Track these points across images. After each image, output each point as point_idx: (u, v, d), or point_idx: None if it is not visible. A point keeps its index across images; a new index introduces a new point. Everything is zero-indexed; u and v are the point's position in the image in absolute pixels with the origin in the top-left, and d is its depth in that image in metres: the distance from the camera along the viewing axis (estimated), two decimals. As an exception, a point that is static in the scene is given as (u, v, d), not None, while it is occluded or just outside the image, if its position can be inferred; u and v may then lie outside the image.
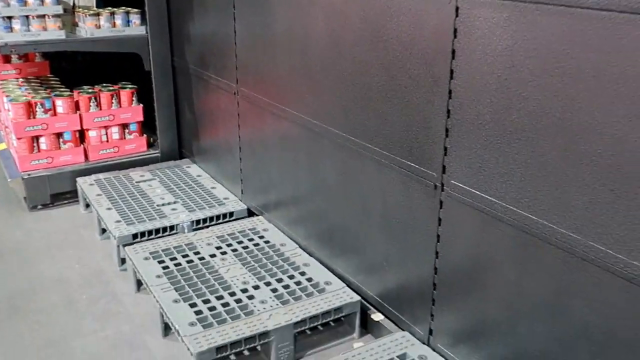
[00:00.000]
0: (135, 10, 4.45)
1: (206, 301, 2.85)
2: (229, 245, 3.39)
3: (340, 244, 3.04)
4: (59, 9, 4.18)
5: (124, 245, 3.42)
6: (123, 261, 3.50)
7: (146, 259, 3.22)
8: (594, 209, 1.75)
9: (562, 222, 1.85)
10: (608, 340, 1.79)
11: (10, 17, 4.04)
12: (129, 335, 2.95)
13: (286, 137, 3.33)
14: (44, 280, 3.42)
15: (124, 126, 4.60)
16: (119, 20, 4.38)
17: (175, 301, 2.84)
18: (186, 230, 3.65)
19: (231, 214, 3.85)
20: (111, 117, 4.49)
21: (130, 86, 4.62)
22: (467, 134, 2.14)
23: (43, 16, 4.13)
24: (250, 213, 3.91)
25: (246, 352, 2.79)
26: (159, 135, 4.71)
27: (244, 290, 2.94)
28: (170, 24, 4.49)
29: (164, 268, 3.14)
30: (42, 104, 4.24)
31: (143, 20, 4.45)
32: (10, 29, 4.05)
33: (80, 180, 4.28)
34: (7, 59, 4.84)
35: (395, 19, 2.36)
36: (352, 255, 2.97)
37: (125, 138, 4.62)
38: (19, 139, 4.21)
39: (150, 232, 3.59)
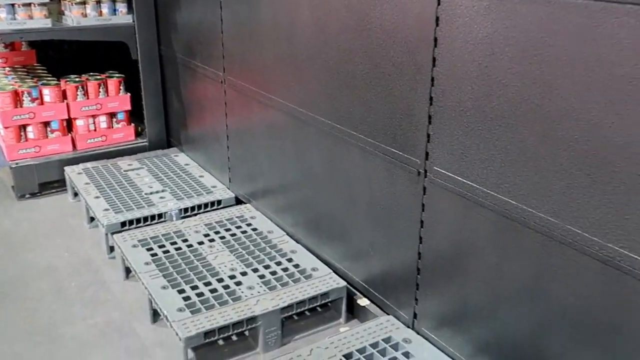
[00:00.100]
0: (122, -2, 4.44)
1: (194, 287, 2.88)
2: (217, 232, 3.42)
3: (326, 230, 3.08)
4: (45, -3, 4.18)
5: (113, 234, 3.44)
6: (111, 249, 3.52)
7: (134, 246, 3.25)
8: (571, 193, 1.79)
9: (540, 207, 1.90)
10: (585, 321, 1.84)
11: (-5, 6, 4.02)
12: (118, 322, 2.98)
13: (273, 125, 3.36)
14: (32, 269, 3.43)
15: (112, 115, 4.61)
16: (105, 9, 4.37)
17: (164, 288, 2.87)
18: (174, 218, 3.68)
19: (219, 202, 3.88)
20: (98, 106, 4.49)
21: (117, 75, 4.62)
22: (449, 121, 2.17)
23: (29, 4, 4.12)
24: (238, 201, 3.94)
25: (234, 337, 2.83)
26: (147, 124, 4.71)
27: (232, 277, 2.97)
28: (157, 12, 4.48)
29: (152, 255, 3.16)
30: (29, 93, 4.24)
31: (130, 9, 4.44)
32: (-5, 17, 4.04)
33: (68, 169, 4.29)
34: (-7, 48, 4.83)
35: (379, 7, 2.38)
36: (338, 241, 3.01)
37: (113, 127, 4.63)
38: (6, 128, 4.21)
39: (138, 220, 3.61)
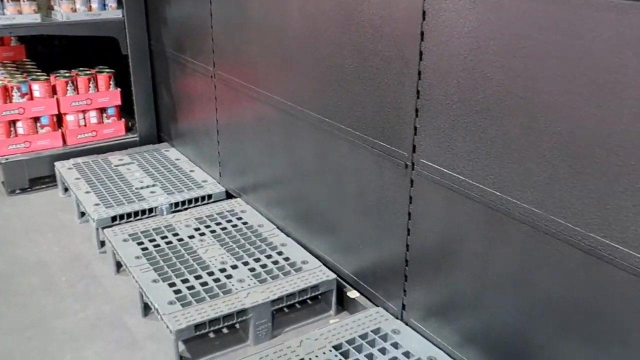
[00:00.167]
0: (112, -7, 4.44)
1: (185, 281, 2.90)
2: (208, 226, 3.44)
3: (316, 223, 3.11)
4: (34, -7, 4.17)
5: (103, 228, 3.46)
6: (102, 244, 3.53)
7: (125, 240, 3.26)
8: (554, 184, 1.83)
9: (525, 198, 1.93)
10: (569, 309, 1.88)
11: (-16, 1, 4.02)
12: (109, 316, 3.00)
13: (263, 119, 3.38)
14: (23, 264, 3.44)
15: (102, 110, 4.61)
16: (95, 4, 4.37)
17: (155, 281, 2.89)
18: (165, 213, 3.69)
19: (209, 196, 3.89)
20: (89, 102, 4.49)
21: (107, 70, 4.62)
22: (436, 114, 2.20)
23: None
24: (229, 195, 3.96)
25: (225, 330, 2.85)
26: (137, 119, 4.72)
27: (222, 270, 2.99)
28: (147, 7, 4.49)
29: (143, 249, 3.18)
30: (18, 89, 4.23)
31: (119, 4, 4.44)
32: (-16, 12, 4.03)
33: (58, 165, 4.29)
34: (-18, 44, 4.82)
35: (367, 1, 2.41)
36: (328, 234, 3.03)
37: (103, 122, 4.63)
38: (-5, 123, 4.21)
39: (129, 215, 3.62)
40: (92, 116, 4.55)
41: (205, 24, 3.72)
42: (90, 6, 4.36)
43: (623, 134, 1.61)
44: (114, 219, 3.57)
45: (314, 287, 2.88)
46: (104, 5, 4.40)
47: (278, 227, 3.41)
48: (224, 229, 3.41)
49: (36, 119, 4.35)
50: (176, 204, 3.77)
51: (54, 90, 4.40)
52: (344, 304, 2.99)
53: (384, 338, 2.49)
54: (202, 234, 3.35)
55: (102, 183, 3.99)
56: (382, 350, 2.41)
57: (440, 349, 2.41)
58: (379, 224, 2.63)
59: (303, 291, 2.85)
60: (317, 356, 2.38)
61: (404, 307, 2.60)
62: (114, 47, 4.53)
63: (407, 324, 2.58)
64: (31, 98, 4.30)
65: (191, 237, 3.32)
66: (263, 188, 3.56)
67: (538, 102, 1.82)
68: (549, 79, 1.77)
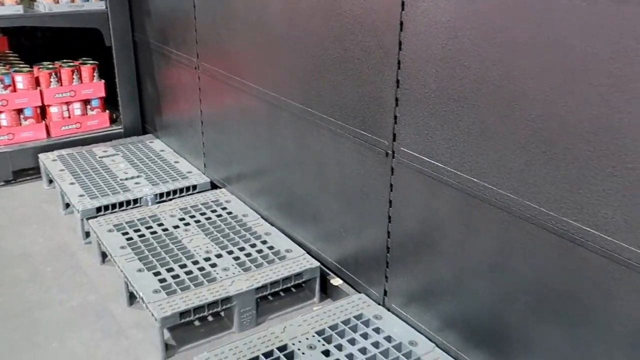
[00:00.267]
0: (94, -16, 4.43)
1: (170, 270, 2.93)
2: (192, 216, 3.46)
3: (300, 212, 3.14)
4: (16, -16, 4.15)
5: (88, 219, 3.47)
6: (87, 234, 3.55)
7: (110, 231, 3.28)
8: (529, 170, 1.88)
9: (501, 184, 1.98)
10: (544, 292, 1.93)
11: (-35, -8, 3.99)
12: (95, 305, 3.02)
13: (246, 110, 3.40)
14: (8, 255, 3.45)
15: (86, 102, 4.61)
16: (77, -5, 4.36)
17: (140, 270, 2.91)
18: (150, 203, 3.71)
19: (194, 187, 3.92)
20: (72, 93, 4.48)
21: (91, 62, 4.62)
22: (415, 103, 2.24)
23: (-1, -9, 4.10)
24: (214, 186, 3.98)
25: (210, 318, 2.89)
26: (122, 110, 4.72)
27: (207, 259, 3.02)
28: (130, -2, 4.49)
29: (127, 239, 3.20)
30: (1, 80, 4.22)
31: (102, -5, 4.44)
32: (-34, 4, 4.01)
33: (42, 156, 4.29)
34: (-37, 35, 4.79)
35: (347, -8, 2.44)
36: (311, 223, 3.07)
37: (87, 114, 4.63)
38: (-22, 115, 4.20)
39: (114, 206, 3.64)
40: (76, 108, 4.55)
41: (189, 15, 3.73)
42: (73, -3, 4.35)
43: (593, 121, 1.66)
44: (98, 210, 3.58)
45: (298, 275, 2.92)
46: (86, -3, 4.40)
47: (262, 217, 3.44)
48: (208, 218, 3.44)
49: (19, 111, 4.34)
50: (161, 195, 3.79)
51: (37, 82, 4.39)
52: (327, 292, 3.04)
53: (366, 323, 2.54)
54: (187, 224, 3.38)
55: (86, 174, 4.00)
56: (364, 336, 2.46)
57: (421, 333, 2.46)
58: (361, 212, 2.67)
59: (287, 279, 2.89)
60: (300, 342, 2.43)
61: (385, 293, 2.65)
62: (97, 38, 4.53)
63: (388, 310, 2.63)
64: (14, 90, 4.28)
65: (176, 227, 3.35)
66: (247, 178, 3.59)
67: (513, 90, 1.87)
68: (523, 67, 1.82)
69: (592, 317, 1.79)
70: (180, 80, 4.11)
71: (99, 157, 4.31)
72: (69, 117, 4.54)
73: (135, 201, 3.72)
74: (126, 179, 3.95)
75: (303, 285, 3.06)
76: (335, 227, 2.88)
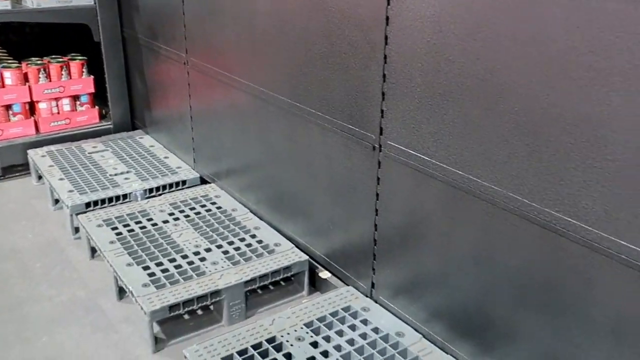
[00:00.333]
0: (83, -20, 4.42)
1: (159, 264, 2.94)
2: (182, 211, 3.48)
3: (289, 207, 3.17)
4: (4, -21, 4.14)
5: (77, 214, 3.48)
6: (77, 230, 3.56)
7: (99, 226, 3.29)
8: (512, 162, 1.91)
9: (485, 176, 2.01)
10: (527, 282, 1.97)
11: (-48, -12, 3.98)
12: (84, 300, 3.03)
13: (235, 105, 3.42)
14: (-3, 250, 3.46)
15: (75, 98, 4.60)
16: (66, -9, 4.35)
17: (129, 265, 2.93)
18: (139, 199, 3.72)
19: (184, 182, 3.93)
20: (61, 89, 4.48)
21: (80, 57, 4.61)
22: (401, 97, 2.27)
23: (-13, -14, 4.09)
24: (203, 181, 3.99)
25: (200, 312, 2.91)
26: (111, 106, 4.72)
27: (196, 253, 3.04)
28: (119, -6, 4.49)
29: (117, 234, 3.21)
30: (-11, 76, 4.21)
31: (91, -9, 4.43)
32: (-47, -1, 4.00)
33: (31, 152, 4.29)
34: (-49, 31, 4.77)
35: (334, -13, 2.46)
36: (300, 217, 3.09)
37: (76, 110, 4.63)
38: (-33, 111, 4.19)
39: (103, 201, 3.64)
40: (65, 104, 4.55)
41: (177, 10, 3.74)
42: (62, -7, 4.34)
43: (573, 113, 1.69)
44: (88, 205, 3.59)
45: (287, 268, 2.94)
46: (75, -8, 4.39)
47: (251, 211, 3.46)
48: (197, 213, 3.46)
49: (8, 107, 4.33)
50: (150, 190, 3.80)
51: (25, 78, 4.38)
52: (316, 285, 3.06)
53: (354, 315, 2.56)
54: (176, 219, 3.39)
55: (75, 170, 4.00)
56: (352, 327, 2.48)
57: (408, 324, 2.50)
58: (349, 206, 2.70)
59: (275, 272, 2.91)
60: (288, 333, 2.45)
61: (373, 285, 2.68)
62: (86, 34, 4.52)
63: (376, 302, 2.66)
64: (3, 86, 4.28)
65: (165, 222, 3.36)
66: (237, 173, 3.60)
67: (496, 84, 1.90)
68: (506, 61, 1.85)
69: (574, 306, 1.82)
70: (169, 76, 4.12)
71: (88, 153, 4.31)
72: (58, 113, 4.54)
73: (125, 196, 3.73)
74: (115, 175, 3.96)
75: (292, 278, 3.09)
76: (324, 220, 2.91)
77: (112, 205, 3.62)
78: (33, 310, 2.95)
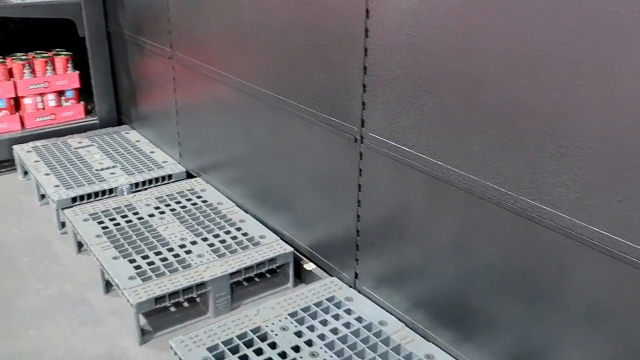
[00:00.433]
0: (67, -25, 4.42)
1: (145, 257, 2.96)
2: (168, 205, 3.50)
3: (274, 199, 3.20)
4: (-13, -26, 4.13)
5: (63, 209, 3.49)
6: (63, 225, 3.57)
7: (85, 220, 3.30)
8: (489, 152, 1.95)
9: (463, 166, 2.05)
10: (504, 270, 2.01)
11: None
12: (71, 294, 3.05)
13: (221, 99, 3.44)
14: (-17, 246, 3.46)
15: (60, 93, 4.60)
16: (50, -14, 4.35)
17: (115, 258, 2.95)
18: (125, 193, 3.74)
19: (170, 176, 3.95)
20: (46, 84, 4.48)
21: (65, 53, 4.61)
22: (382, 89, 2.30)
23: (-30, -18, 4.08)
24: (189, 175, 4.01)
25: (186, 304, 2.93)
26: (96, 102, 4.72)
27: (182, 246, 3.06)
28: (103, -11, 4.49)
29: (103, 228, 3.23)
30: (-27, 72, 4.20)
31: (75, -14, 4.42)
32: (-64, -6, 3.98)
33: (17, 148, 4.28)
34: None
35: (315, -19, 2.49)
36: (285, 209, 3.12)
37: (62, 105, 4.62)
38: (-49, 107, 4.18)
39: (89, 196, 3.65)
40: (51, 99, 4.54)
41: (162, 5, 3.75)
42: (46, -12, 4.33)
43: (547, 103, 1.73)
44: (74, 200, 3.60)
45: (272, 260, 2.97)
46: (59, -13, 4.38)
47: (237, 204, 3.49)
48: (183, 207, 3.48)
49: (-7, 103, 4.33)
50: (136, 185, 3.82)
51: (10, 73, 4.38)
52: (301, 277, 3.10)
53: (338, 305, 2.60)
54: (162, 213, 3.41)
55: (61, 165, 4.01)
56: (336, 317, 2.52)
57: (391, 313, 2.54)
58: (332, 197, 2.73)
59: (261, 264, 2.94)
60: (273, 324, 2.48)
61: (356, 276, 2.71)
62: (71, 29, 4.52)
63: (360, 292, 2.70)
64: (-13, 81, 4.27)
65: (151, 215, 3.38)
66: (222, 167, 3.63)
67: (473, 75, 1.93)
68: (483, 53, 1.88)
69: (549, 292, 1.87)
70: (154, 71, 4.13)
71: (74, 148, 4.31)
72: (43, 108, 4.53)
73: (111, 191, 3.74)
74: (101, 170, 3.97)
75: (277, 270, 3.12)
76: (308, 212, 2.94)
77: (98, 200, 3.64)
78: (20, 304, 2.97)
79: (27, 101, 4.44)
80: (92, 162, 4.09)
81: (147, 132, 4.53)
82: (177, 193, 3.64)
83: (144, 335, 2.73)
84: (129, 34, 4.31)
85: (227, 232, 3.19)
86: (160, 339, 2.73)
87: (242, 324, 2.48)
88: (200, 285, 2.77)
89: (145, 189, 3.79)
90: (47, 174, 3.86)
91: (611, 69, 1.56)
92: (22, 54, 4.48)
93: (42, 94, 4.49)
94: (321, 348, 2.34)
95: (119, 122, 4.87)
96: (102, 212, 3.39)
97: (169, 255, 2.98)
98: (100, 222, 3.28)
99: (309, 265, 3.02)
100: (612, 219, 1.64)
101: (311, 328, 2.46)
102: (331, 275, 2.88)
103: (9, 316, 2.87)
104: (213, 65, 3.39)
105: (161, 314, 2.85)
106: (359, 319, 2.50)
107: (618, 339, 1.70)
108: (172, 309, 2.91)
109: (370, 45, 2.30)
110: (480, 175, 1.99)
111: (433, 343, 2.35)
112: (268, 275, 3.14)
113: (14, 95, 4.38)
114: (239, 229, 3.22)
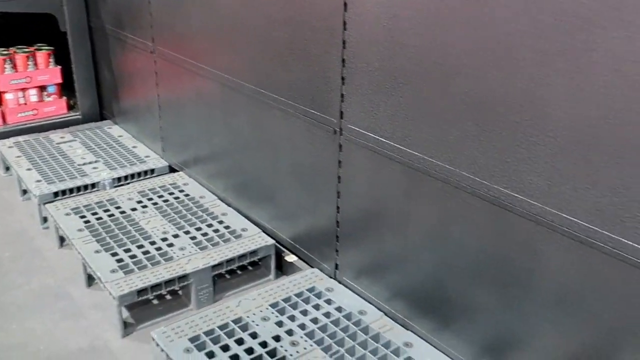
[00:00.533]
0: (48, -30, 4.40)
1: (127, 250, 2.97)
2: (150, 199, 3.51)
3: (256, 192, 3.22)
4: (-33, -31, 4.11)
5: (45, 204, 3.48)
6: (45, 220, 3.56)
7: (67, 214, 3.31)
8: (464, 142, 1.98)
9: (439, 156, 2.08)
10: (480, 257, 2.05)
11: None
12: (54, 288, 3.06)
13: (203, 93, 3.45)
14: (-36, 241, 3.45)
15: (42, 88, 4.59)
16: (30, -19, 4.33)
17: (97, 252, 2.96)
18: (108, 188, 3.74)
19: (152, 171, 3.96)
20: (28, 79, 4.46)
21: (46, 48, 4.59)
22: (360, 81, 2.33)
23: (-51, -24, 4.05)
24: (172, 170, 4.02)
25: (168, 297, 2.95)
26: (79, 97, 4.71)
27: (164, 239, 3.08)
28: (85, -16, 4.48)
29: (85, 222, 3.23)
30: (-46, 67, 4.18)
31: (56, -20, 4.41)
32: None
33: (-2, 144, 4.28)
34: None
35: (294, -25, 2.51)
36: (266, 202, 3.15)
37: (44, 100, 4.61)
38: None
39: (71, 190, 3.65)
40: (32, 94, 4.53)
41: (143, -1, 3.76)
42: (26, -17, 4.32)
43: (518, 94, 1.77)
44: (56, 195, 3.60)
45: (253, 253, 3.00)
46: (40, -18, 4.37)
47: (219, 198, 3.51)
48: (166, 201, 3.49)
49: (-26, 98, 4.31)
50: (119, 179, 3.82)
51: (-9, 69, 4.37)
52: (282, 269, 3.12)
53: (318, 296, 2.63)
54: (145, 207, 3.42)
55: (43, 160, 4.00)
56: (316, 307, 2.55)
57: (371, 303, 2.57)
58: (312, 189, 2.76)
59: (242, 256, 2.96)
60: (254, 314, 2.51)
61: (337, 266, 2.75)
62: (52, 24, 4.50)
63: (340, 282, 2.73)
64: (-32, 76, 4.25)
65: (133, 209, 3.39)
66: (204, 161, 3.64)
67: (449, 66, 1.97)
68: (457, 44, 1.92)
69: (522, 277, 1.91)
70: (136, 65, 4.13)
71: (57, 144, 4.31)
72: (25, 103, 4.52)
73: (93, 186, 3.74)
74: (84, 164, 3.97)
75: (259, 262, 3.15)
76: (290, 205, 2.97)
77: (80, 195, 3.64)
78: (2, 298, 2.97)
79: (8, 96, 4.43)
80: (75, 157, 4.09)
81: (129, 126, 4.53)
82: (160, 187, 3.65)
83: (127, 327, 2.74)
84: (110, 29, 4.31)
85: (210, 225, 3.21)
86: (142, 332, 2.75)
87: (223, 315, 2.51)
88: (183, 277, 2.79)
89: (128, 184, 3.79)
90: (29, 169, 3.86)
91: (580, 60, 1.60)
92: (3, 49, 4.46)
93: (23, 89, 4.48)
94: (301, 337, 2.37)
95: (102, 117, 4.86)
96: (84, 206, 3.40)
97: (151, 248, 2.99)
98: (82, 217, 3.29)
99: (290, 257, 3.05)
100: (580, 206, 1.69)
101: (292, 318, 2.49)
102: (312, 267, 2.91)
103: (-10, 310, 2.88)
104: (195, 59, 3.40)
105: (143, 307, 2.87)
106: (339, 309, 2.53)
107: (586, 320, 1.75)
108: (155, 301, 2.92)
109: (348, 38, 2.33)
110: (456, 165, 2.03)
111: (411, 331, 2.39)
112: (250, 267, 3.17)
113: (-6, 91, 4.36)
114: (221, 222, 3.24)
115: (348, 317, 2.48)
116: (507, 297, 1.98)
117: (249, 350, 2.31)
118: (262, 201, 3.19)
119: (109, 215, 3.31)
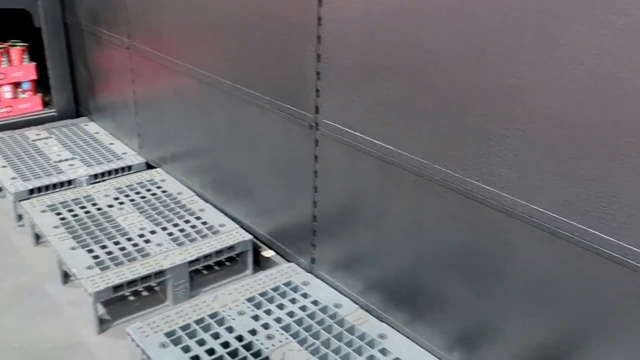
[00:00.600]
0: (22, -35, 4.35)
1: (104, 247, 2.96)
2: (127, 196, 3.49)
3: (233, 188, 3.22)
4: (-62, -36, 4.05)
5: (20, 201, 3.45)
6: (20, 217, 3.53)
7: (43, 211, 3.28)
8: (437, 135, 2.01)
9: (412, 150, 2.11)
10: (453, 249, 2.08)
11: None
12: (29, 285, 3.03)
13: (179, 89, 3.44)
14: (-63, 239, 3.41)
15: (17, 85, 4.54)
16: (4, -24, 4.28)
17: (73, 248, 2.94)
18: (84, 184, 3.72)
19: (129, 167, 3.94)
20: (2, 76, 4.41)
21: (20, 44, 4.54)
22: (335, 76, 2.35)
23: None
24: (149, 166, 4.01)
25: (145, 293, 2.94)
26: (54, 93, 4.67)
27: (141, 236, 3.07)
28: (60, -21, 4.43)
29: (61, 219, 3.21)
30: None
31: (30, -24, 4.36)
32: None
33: (-28, 141, 4.22)
34: None
35: (269, -30, 2.52)
36: (244, 198, 3.15)
37: (18, 97, 4.56)
38: None
39: (47, 188, 3.63)
40: (6, 91, 4.48)
41: (119, -5, 3.74)
42: (0, -22, 4.27)
43: (489, 87, 1.80)
44: (31, 192, 3.57)
45: (230, 248, 3.00)
46: (14, -23, 4.32)
47: (197, 194, 3.50)
48: (143, 197, 3.48)
49: (-54, 95, 4.25)
50: (95, 176, 3.80)
51: (-36, 65, 4.31)
52: (260, 264, 3.13)
53: (295, 289, 2.65)
54: (122, 203, 3.41)
55: (19, 157, 3.96)
56: (293, 300, 2.57)
57: (346, 296, 2.59)
58: (289, 184, 2.77)
59: (219, 252, 2.97)
60: (230, 309, 2.52)
61: (313, 261, 2.76)
62: (26, 19, 4.45)
63: (316, 276, 2.75)
64: (-60, 73, 4.19)
65: (110, 206, 3.37)
66: (182, 157, 3.64)
67: (422, 61, 1.99)
68: (430, 39, 1.94)
69: (494, 269, 1.94)
70: (112, 62, 4.11)
71: (32, 141, 4.27)
72: (-1, 100, 4.48)
73: (70, 183, 3.72)
74: (60, 162, 3.94)
75: (236, 258, 3.15)
76: (267, 200, 2.98)
77: (56, 192, 3.61)
78: (-24, 296, 2.94)
79: (-18, 93, 4.38)
80: (50, 154, 4.05)
81: (106, 123, 4.51)
82: (137, 184, 3.64)
83: (103, 324, 2.73)
84: (86, 25, 4.27)
85: (187, 222, 3.20)
86: (118, 328, 2.74)
87: (199, 310, 2.51)
88: (159, 273, 2.79)
89: (105, 180, 3.77)
90: (4, 167, 3.82)
91: (549, 54, 1.63)
92: (-24, 45, 4.41)
93: (-3, 86, 4.43)
94: (277, 330, 2.38)
95: (78, 114, 4.83)
96: (60, 203, 3.37)
97: (127, 244, 2.98)
98: (58, 214, 3.27)
99: (268, 253, 3.06)
100: (549, 197, 1.72)
101: (268, 312, 2.50)
102: (289, 261, 2.92)
103: (-36, 308, 2.85)
104: (171, 55, 3.40)
105: (120, 303, 2.86)
106: (315, 302, 2.55)
107: (555, 308, 1.79)
108: (131, 298, 2.91)
109: (323, 33, 2.34)
110: (429, 159, 2.05)
111: (386, 323, 2.42)
112: (227, 263, 3.17)
113: (-32, 87, 4.31)
114: (198, 218, 3.24)
115: (324, 310, 2.50)
116: (479, 288, 2.01)
117: (225, 344, 2.32)
118: (239, 197, 3.19)
119: (86, 212, 3.30)
